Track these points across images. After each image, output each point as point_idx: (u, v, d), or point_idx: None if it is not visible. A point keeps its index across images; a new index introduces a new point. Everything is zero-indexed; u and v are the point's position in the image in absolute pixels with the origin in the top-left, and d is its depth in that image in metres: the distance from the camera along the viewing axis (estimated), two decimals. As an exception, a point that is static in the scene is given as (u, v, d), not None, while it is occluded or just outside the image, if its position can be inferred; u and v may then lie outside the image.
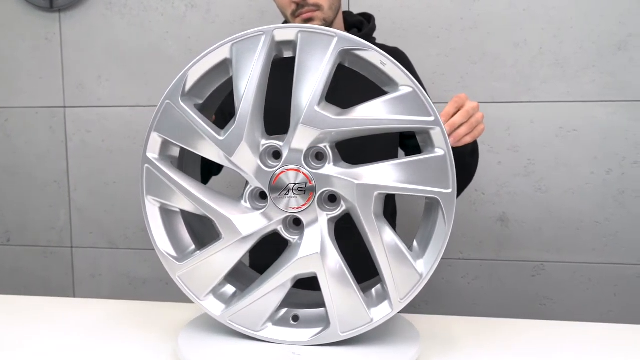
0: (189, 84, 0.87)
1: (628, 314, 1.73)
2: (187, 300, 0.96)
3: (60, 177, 1.98)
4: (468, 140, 0.96)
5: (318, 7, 1.20)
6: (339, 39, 0.82)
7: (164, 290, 1.96)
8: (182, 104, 0.87)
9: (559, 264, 1.76)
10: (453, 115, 0.94)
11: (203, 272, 0.89)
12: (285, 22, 1.36)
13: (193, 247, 0.93)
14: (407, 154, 1.34)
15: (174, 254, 0.91)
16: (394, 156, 1.35)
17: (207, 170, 1.28)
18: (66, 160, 1.97)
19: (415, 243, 0.88)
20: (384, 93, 0.85)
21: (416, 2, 1.73)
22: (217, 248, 0.88)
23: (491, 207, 1.76)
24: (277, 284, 0.87)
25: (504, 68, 1.70)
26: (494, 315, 1.76)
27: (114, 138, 1.92)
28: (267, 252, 0.98)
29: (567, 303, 1.77)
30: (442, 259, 0.84)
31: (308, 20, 1.20)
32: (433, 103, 0.82)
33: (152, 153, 0.90)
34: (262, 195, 0.89)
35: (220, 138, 0.86)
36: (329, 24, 1.22)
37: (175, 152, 0.92)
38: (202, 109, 0.92)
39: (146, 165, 0.90)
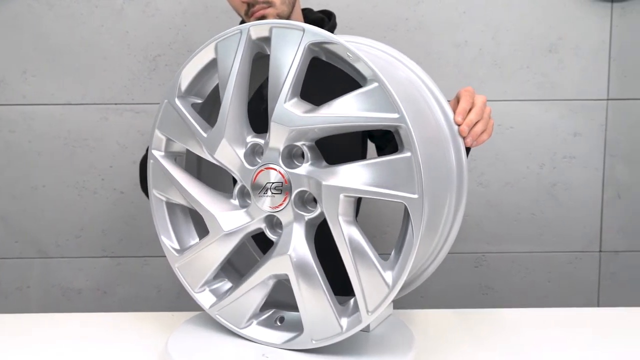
0: (184, 83, 0.89)
1: (562, 297, 1.86)
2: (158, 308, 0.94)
3: (-22, 182, 1.80)
4: (485, 138, 0.90)
5: (269, 4, 1.17)
6: (306, 32, 0.78)
7: (102, 299, 1.84)
8: (177, 103, 0.89)
9: (499, 255, 1.86)
10: (469, 113, 0.88)
11: (196, 266, 0.92)
12: (242, 22, 1.33)
13: (196, 240, 0.96)
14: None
15: (176, 246, 0.95)
16: (360, 154, 1.35)
17: None
18: (-14, 163, 1.80)
19: (393, 252, 0.81)
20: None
21: (363, 2, 1.75)
22: (206, 243, 0.90)
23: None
24: (256, 281, 0.87)
25: (447, 67, 1.76)
26: (439, 306, 1.82)
27: (42, 139, 1.77)
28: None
29: (506, 291, 1.87)
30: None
31: (261, 18, 1.17)
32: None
33: (158, 150, 0.93)
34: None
35: (205, 135, 0.86)
36: (284, 19, 1.20)
37: (179, 148, 0.94)
38: (206, 107, 0.92)
39: (151, 160, 0.94)
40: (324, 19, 1.33)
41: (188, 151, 0.94)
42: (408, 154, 0.73)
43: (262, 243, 0.96)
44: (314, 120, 0.78)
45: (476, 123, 0.89)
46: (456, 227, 0.92)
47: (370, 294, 0.78)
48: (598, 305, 1.87)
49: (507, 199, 1.83)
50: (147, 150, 1.30)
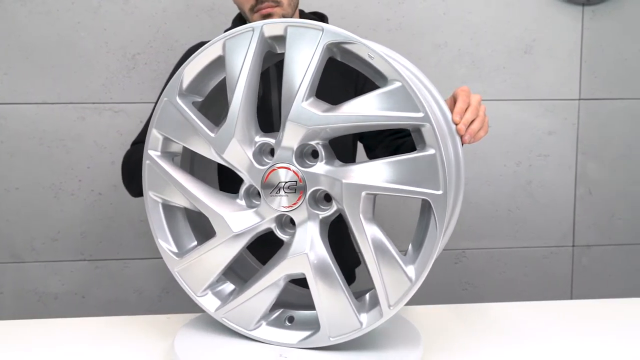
0: (186, 81, 0.87)
1: (537, 291, 1.92)
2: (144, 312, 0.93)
3: (-53, 185, 1.73)
4: (482, 135, 0.94)
5: (277, 3, 1.17)
6: (325, 32, 0.79)
7: (80, 304, 1.79)
8: (178, 101, 0.86)
9: (478, 251, 1.90)
10: (465, 112, 0.92)
11: (200, 269, 0.90)
12: (241, 18, 1.32)
13: (195, 243, 0.93)
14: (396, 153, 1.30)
15: (175, 249, 0.92)
16: (352, 154, 1.36)
17: None
18: (-46, 165, 1.72)
19: (410, 247, 0.84)
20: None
21: (345, 2, 1.76)
22: (211, 245, 0.88)
23: (418, 200, 1.84)
24: (268, 282, 0.86)
25: (427, 68, 1.79)
26: (421, 302, 1.85)
27: (15, 139, 1.71)
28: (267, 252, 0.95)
29: (486, 286, 1.91)
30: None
31: (267, 16, 1.17)
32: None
33: (154, 150, 0.90)
34: (259, 193, 0.86)
35: (212, 135, 0.85)
36: None
37: (177, 148, 0.92)
38: (205, 106, 0.90)
39: (147, 161, 0.90)
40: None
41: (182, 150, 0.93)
42: (432, 151, 0.76)
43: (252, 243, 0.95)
44: (336, 119, 0.78)
45: (472, 121, 0.92)
46: (453, 222, 0.94)
47: (392, 289, 0.79)
48: (571, 298, 1.94)
49: (486, 196, 1.87)
50: (131, 145, 1.28)
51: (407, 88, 0.76)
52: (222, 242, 0.87)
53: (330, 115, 0.79)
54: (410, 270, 0.79)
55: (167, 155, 0.92)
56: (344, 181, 0.79)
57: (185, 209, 0.93)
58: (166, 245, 0.92)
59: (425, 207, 0.81)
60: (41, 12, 1.67)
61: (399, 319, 0.97)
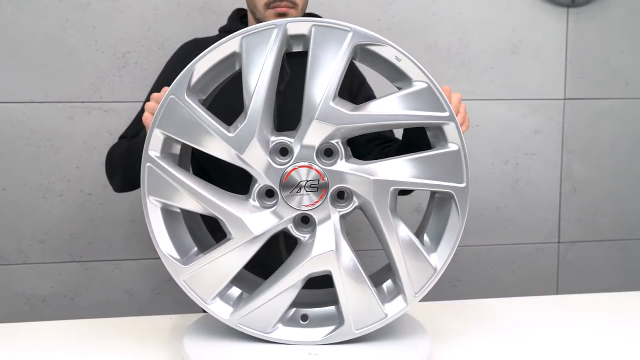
0: (195, 78, 0.83)
1: (524, 287, 1.96)
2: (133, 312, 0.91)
3: None
4: (463, 129, 0.97)
5: (294, 5, 1.18)
6: (354, 33, 0.82)
7: (69, 306, 1.76)
8: (187, 99, 0.82)
9: (467, 248, 1.93)
10: None
11: (210, 275, 0.86)
12: (238, 15, 1.31)
13: (195, 249, 0.89)
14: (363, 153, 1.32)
15: (177, 256, 0.87)
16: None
17: None
18: (-63, 165, 1.68)
19: (426, 237, 0.89)
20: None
21: (336, 2, 1.77)
22: (227, 249, 0.85)
23: (408, 199, 1.86)
24: (289, 283, 0.85)
25: (417, 68, 1.81)
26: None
27: (2, 139, 1.67)
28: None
29: (474, 283, 1.94)
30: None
31: (282, 15, 1.17)
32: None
33: (154, 151, 0.84)
34: (269, 193, 0.86)
35: (230, 135, 0.82)
36: None
37: (177, 149, 0.87)
38: (203, 105, 0.88)
39: (148, 164, 0.84)
40: None
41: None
42: (455, 147, 0.83)
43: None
44: (365, 118, 0.81)
45: None
46: None
47: (417, 278, 0.85)
48: (557, 293, 1.98)
49: (474, 194, 1.90)
50: (118, 139, 1.26)
51: (433, 89, 0.82)
52: (239, 246, 0.84)
53: (359, 115, 0.81)
54: (434, 259, 0.85)
55: (168, 156, 0.87)
56: (372, 178, 0.82)
57: (182, 213, 0.89)
58: (169, 252, 0.87)
59: (445, 200, 0.87)
60: (28, 10, 1.64)
61: (406, 317, 0.99)
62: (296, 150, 0.82)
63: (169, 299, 1.78)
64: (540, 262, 1.97)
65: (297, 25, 0.82)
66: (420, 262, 0.85)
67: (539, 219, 1.95)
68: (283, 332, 0.88)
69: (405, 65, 0.84)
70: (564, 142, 1.92)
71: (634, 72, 1.92)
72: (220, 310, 0.88)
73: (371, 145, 1.30)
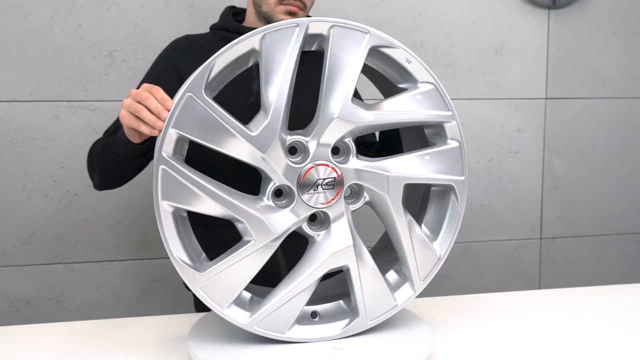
0: (212, 75, 0.81)
1: (507, 282, 2.00)
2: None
3: None
4: None
5: (304, 6, 1.19)
6: (371, 35, 0.84)
7: (55, 309, 1.73)
8: (205, 97, 0.79)
9: (453, 245, 1.96)
10: None
11: (227, 280, 0.83)
12: (229, 13, 1.30)
13: (203, 254, 0.87)
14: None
15: (189, 262, 0.83)
16: None
17: (136, 168, 1.17)
18: None
19: (424, 228, 0.93)
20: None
21: (323, 2, 1.78)
22: (247, 252, 0.83)
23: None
24: (308, 283, 0.86)
25: (404, 67, 1.84)
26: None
27: (-17, 138, 1.64)
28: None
29: (459, 279, 1.98)
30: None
31: (292, 14, 1.17)
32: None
33: (167, 153, 0.81)
34: (277, 193, 0.86)
35: (253, 134, 0.80)
36: None
37: (185, 150, 0.85)
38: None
39: (162, 166, 0.79)
40: None
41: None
42: (456, 144, 0.88)
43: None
44: (382, 117, 0.84)
45: None
46: None
47: (423, 265, 0.90)
48: (539, 287, 2.04)
49: (460, 192, 1.94)
50: (103, 134, 1.25)
51: (438, 90, 0.86)
52: (261, 247, 0.83)
53: (377, 114, 0.84)
54: (436, 247, 0.91)
55: (179, 158, 0.84)
56: (388, 174, 0.85)
57: (190, 217, 0.86)
58: (183, 259, 0.83)
59: (443, 192, 0.92)
60: (12, 6, 1.60)
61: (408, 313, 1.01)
62: (312, 148, 0.83)
63: (157, 299, 1.77)
64: (523, 258, 2.02)
65: (318, 25, 0.83)
66: (426, 251, 0.90)
67: (521, 216, 1.99)
68: (300, 331, 0.88)
69: (413, 67, 0.87)
70: (545, 141, 1.97)
71: (612, 72, 1.99)
72: (237, 315, 0.85)
73: (359, 148, 1.33)
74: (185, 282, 0.83)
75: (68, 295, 1.74)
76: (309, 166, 0.83)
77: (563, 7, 1.90)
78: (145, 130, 0.87)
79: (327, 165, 0.83)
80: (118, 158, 1.09)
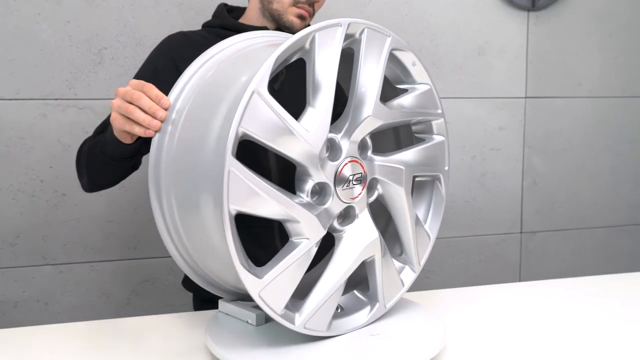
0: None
1: (490, 275, 2.07)
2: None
3: None
4: None
5: (313, 13, 1.22)
6: (392, 38, 0.88)
7: (44, 312, 1.70)
8: (270, 95, 0.75)
9: (437, 240, 2.00)
10: None
11: (282, 283, 0.80)
12: (222, 11, 1.30)
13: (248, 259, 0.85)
14: None
15: (248, 268, 0.78)
16: None
17: (127, 169, 1.12)
18: None
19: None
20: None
21: (314, 0, 1.79)
22: (300, 252, 0.80)
23: (383, 194, 1.93)
24: (344, 278, 0.86)
25: (391, 67, 1.88)
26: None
27: (-33, 138, 1.59)
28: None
29: (444, 273, 2.03)
30: None
31: (301, 18, 1.20)
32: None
33: (231, 154, 0.73)
34: (314, 190, 0.86)
35: (309, 133, 0.79)
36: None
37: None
38: None
39: (231, 168, 0.72)
40: None
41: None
42: (442, 138, 0.97)
43: None
44: (400, 114, 0.88)
45: None
46: None
47: (420, 248, 0.97)
48: (520, 280, 2.11)
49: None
50: (93, 132, 1.20)
51: (433, 90, 0.94)
52: (312, 246, 0.81)
53: (396, 112, 0.88)
54: (427, 229, 0.99)
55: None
56: (404, 168, 0.90)
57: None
58: (246, 267, 0.77)
59: (428, 182, 1.00)
60: (-3, 2, 1.57)
61: (407, 303, 1.04)
62: (345, 146, 0.84)
63: (147, 300, 1.75)
64: (504, 252, 2.09)
65: (355, 26, 0.84)
66: (422, 235, 0.97)
67: (503, 211, 2.06)
68: (337, 325, 0.88)
69: (416, 70, 0.93)
70: (525, 138, 2.05)
71: (586, 72, 2.08)
72: (289, 318, 0.82)
73: None
74: (247, 288, 0.77)
75: (56, 297, 1.71)
76: (344, 162, 0.84)
77: (541, 10, 1.98)
78: (139, 131, 0.84)
79: (356, 162, 0.85)
80: (107, 159, 1.04)
